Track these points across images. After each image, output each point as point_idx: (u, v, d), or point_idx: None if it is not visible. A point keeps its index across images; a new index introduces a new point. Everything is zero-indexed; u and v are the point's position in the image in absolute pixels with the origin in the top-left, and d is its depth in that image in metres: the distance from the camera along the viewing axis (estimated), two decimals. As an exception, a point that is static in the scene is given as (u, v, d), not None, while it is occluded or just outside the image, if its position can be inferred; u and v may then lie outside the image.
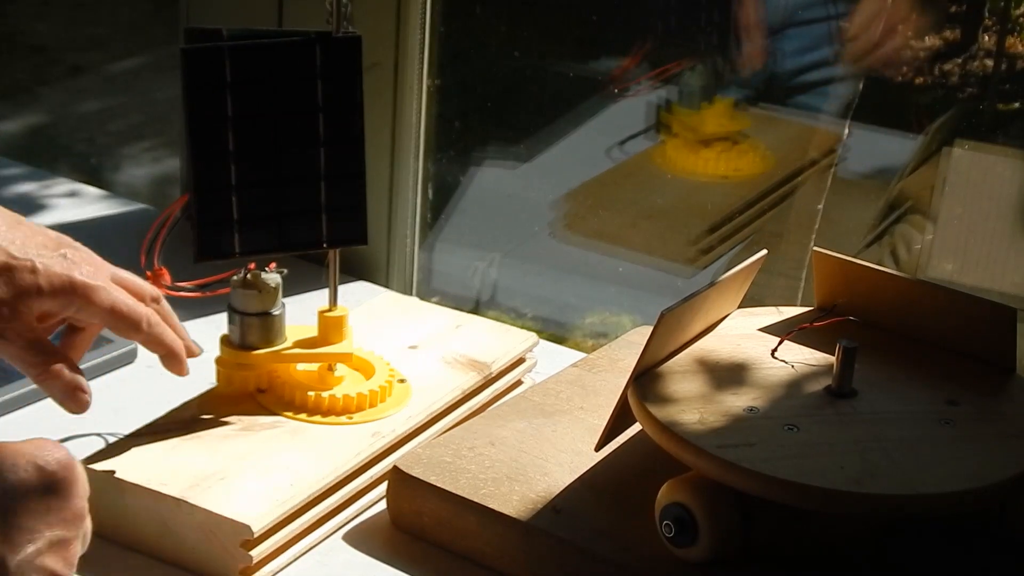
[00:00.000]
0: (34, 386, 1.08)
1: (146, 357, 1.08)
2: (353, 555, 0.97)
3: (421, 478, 0.98)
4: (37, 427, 1.09)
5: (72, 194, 1.57)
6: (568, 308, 1.23)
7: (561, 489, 0.98)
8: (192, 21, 1.42)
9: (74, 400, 0.93)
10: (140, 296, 0.96)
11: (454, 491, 0.97)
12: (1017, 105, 1.72)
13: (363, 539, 0.99)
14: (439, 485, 0.98)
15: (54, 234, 0.94)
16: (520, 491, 0.97)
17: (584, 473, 1.00)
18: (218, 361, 1.05)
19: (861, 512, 0.89)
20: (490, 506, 0.96)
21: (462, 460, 1.00)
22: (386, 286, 1.38)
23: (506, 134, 1.88)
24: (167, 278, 1.01)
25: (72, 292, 0.91)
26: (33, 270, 0.90)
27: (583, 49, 1.89)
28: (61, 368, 0.92)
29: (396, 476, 0.99)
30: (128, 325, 0.94)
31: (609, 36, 1.84)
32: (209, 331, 1.08)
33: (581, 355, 1.22)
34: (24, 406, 1.11)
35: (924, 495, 0.86)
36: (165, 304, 0.98)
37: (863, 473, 0.87)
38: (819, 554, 0.93)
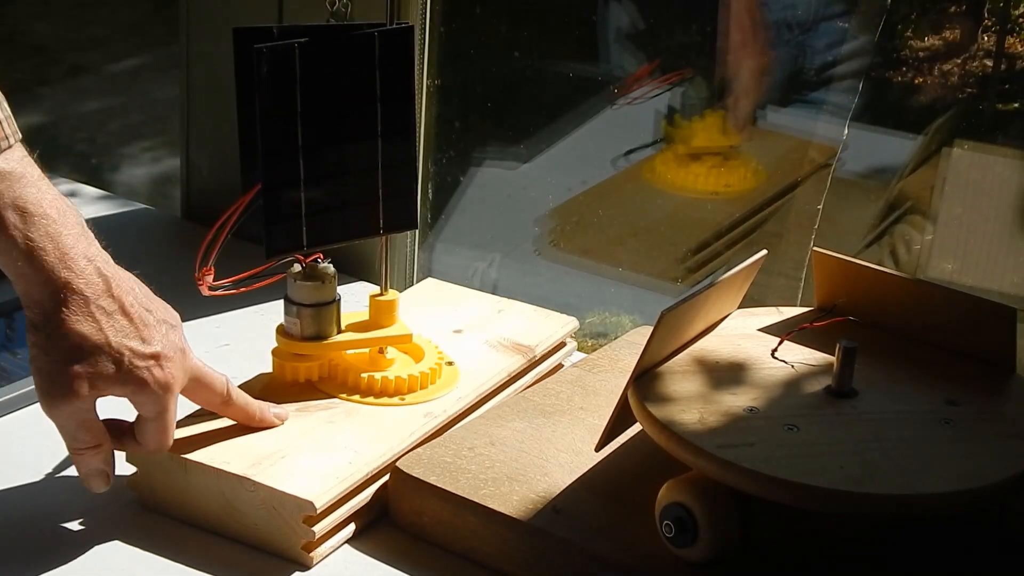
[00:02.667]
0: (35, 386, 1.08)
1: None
2: (353, 555, 0.98)
3: (421, 478, 0.99)
4: (38, 427, 1.09)
5: (72, 194, 1.57)
6: (568, 308, 1.23)
7: (561, 489, 0.98)
8: (192, 21, 1.42)
9: (99, 481, 0.96)
10: (210, 396, 0.98)
11: (454, 491, 0.97)
12: (1017, 105, 1.72)
13: (363, 539, 0.99)
14: (439, 485, 0.98)
15: (156, 319, 0.93)
16: (520, 491, 0.97)
17: (584, 473, 1.00)
18: (276, 353, 1.06)
19: (861, 512, 0.89)
20: (490, 506, 0.96)
21: (462, 460, 1.00)
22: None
23: (506, 134, 1.88)
24: (210, 280, 1.01)
25: (140, 393, 0.93)
26: (118, 363, 0.91)
27: (583, 49, 1.89)
28: (102, 448, 0.94)
29: (396, 476, 1.00)
30: (153, 435, 0.95)
31: (611, 39, 1.84)
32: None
33: (581, 355, 1.22)
34: (25, 406, 1.11)
35: (924, 495, 0.86)
36: (236, 398, 0.99)
37: (863, 473, 0.87)
38: (819, 554, 0.93)
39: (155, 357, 0.93)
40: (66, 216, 0.90)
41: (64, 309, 0.90)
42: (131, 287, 0.94)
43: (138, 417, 0.95)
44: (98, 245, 0.92)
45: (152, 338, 0.93)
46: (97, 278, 0.91)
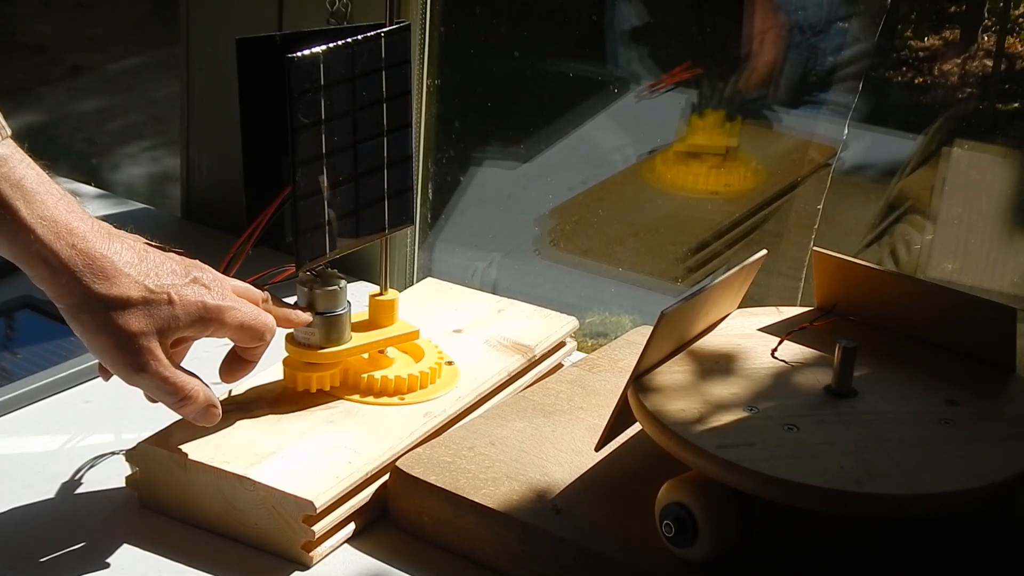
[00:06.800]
0: (34, 386, 1.09)
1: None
2: (353, 555, 0.98)
3: (421, 478, 0.99)
4: (38, 427, 1.10)
5: (71, 194, 1.57)
6: (568, 308, 1.23)
7: (561, 489, 0.98)
8: (192, 21, 1.42)
9: (209, 418, 0.97)
10: (255, 301, 0.99)
11: (454, 491, 0.97)
12: (1017, 105, 1.72)
13: (363, 539, 0.99)
14: (439, 485, 0.98)
15: (179, 257, 0.96)
16: (520, 491, 0.97)
17: (584, 473, 1.00)
18: (289, 363, 1.06)
19: (861, 512, 0.89)
20: (490, 506, 0.96)
21: (462, 460, 1.00)
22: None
23: (506, 134, 1.88)
24: None
25: (207, 318, 0.94)
26: (170, 301, 0.92)
27: (583, 49, 1.89)
28: (196, 393, 0.95)
29: (396, 476, 1.00)
30: (254, 337, 0.97)
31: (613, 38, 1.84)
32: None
33: (581, 355, 1.22)
34: (25, 406, 1.11)
35: (924, 495, 0.86)
36: (272, 302, 1.02)
37: (863, 473, 0.87)
38: (819, 554, 0.93)
39: (195, 281, 0.94)
40: (68, 197, 0.91)
41: (96, 281, 0.90)
42: (138, 239, 0.95)
43: (232, 349, 0.98)
44: (95, 219, 0.93)
45: (181, 268, 0.94)
46: (111, 241, 0.91)
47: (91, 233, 0.90)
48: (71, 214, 0.90)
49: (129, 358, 0.91)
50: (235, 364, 1.01)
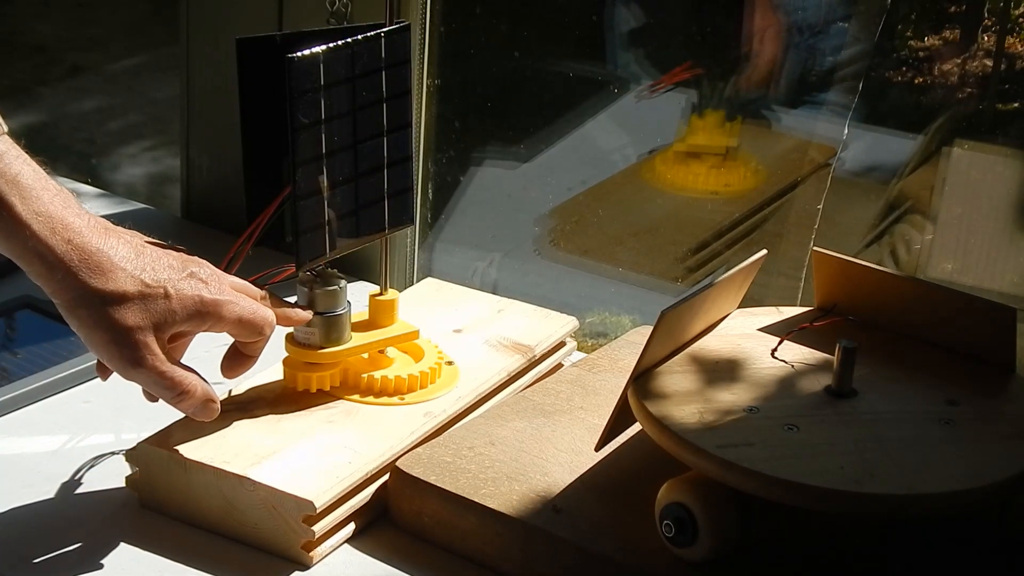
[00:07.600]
0: (34, 386, 1.09)
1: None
2: (353, 555, 0.98)
3: (421, 478, 0.99)
4: (37, 427, 1.10)
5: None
6: (568, 308, 1.23)
7: (561, 489, 0.98)
8: (192, 21, 1.42)
9: (207, 413, 0.97)
10: (253, 298, 0.99)
11: (454, 491, 0.97)
12: (1017, 105, 1.72)
13: (363, 539, 0.99)
14: (439, 485, 0.98)
15: (176, 253, 0.96)
16: (520, 491, 0.97)
17: (584, 473, 1.00)
18: (289, 363, 1.06)
19: (861, 512, 0.89)
20: (490, 506, 0.96)
21: (462, 460, 1.00)
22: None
23: (506, 134, 1.88)
24: None
25: (204, 312, 0.94)
26: (167, 296, 0.93)
27: (583, 49, 1.89)
28: (194, 387, 0.95)
29: (396, 476, 1.00)
30: (253, 331, 0.97)
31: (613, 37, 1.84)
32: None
33: (581, 355, 1.22)
34: (25, 406, 1.11)
35: (924, 495, 0.86)
36: (271, 299, 1.02)
37: (863, 473, 0.87)
38: (819, 554, 0.93)
39: (192, 276, 0.94)
40: (64, 192, 0.91)
41: (92, 277, 0.90)
42: (136, 235, 0.95)
43: (233, 344, 0.98)
44: (91, 214, 0.93)
45: (178, 263, 0.94)
46: (107, 237, 0.91)
47: (87, 228, 0.90)
48: (67, 210, 0.90)
49: (126, 352, 0.91)
50: (236, 359, 1.01)
